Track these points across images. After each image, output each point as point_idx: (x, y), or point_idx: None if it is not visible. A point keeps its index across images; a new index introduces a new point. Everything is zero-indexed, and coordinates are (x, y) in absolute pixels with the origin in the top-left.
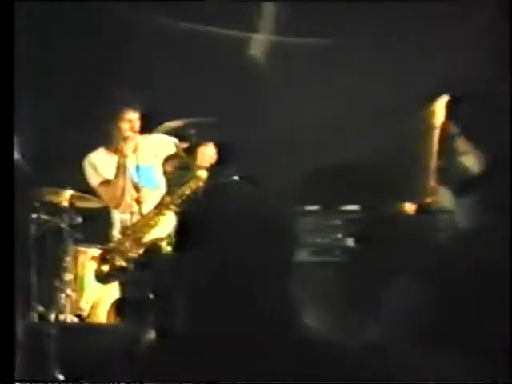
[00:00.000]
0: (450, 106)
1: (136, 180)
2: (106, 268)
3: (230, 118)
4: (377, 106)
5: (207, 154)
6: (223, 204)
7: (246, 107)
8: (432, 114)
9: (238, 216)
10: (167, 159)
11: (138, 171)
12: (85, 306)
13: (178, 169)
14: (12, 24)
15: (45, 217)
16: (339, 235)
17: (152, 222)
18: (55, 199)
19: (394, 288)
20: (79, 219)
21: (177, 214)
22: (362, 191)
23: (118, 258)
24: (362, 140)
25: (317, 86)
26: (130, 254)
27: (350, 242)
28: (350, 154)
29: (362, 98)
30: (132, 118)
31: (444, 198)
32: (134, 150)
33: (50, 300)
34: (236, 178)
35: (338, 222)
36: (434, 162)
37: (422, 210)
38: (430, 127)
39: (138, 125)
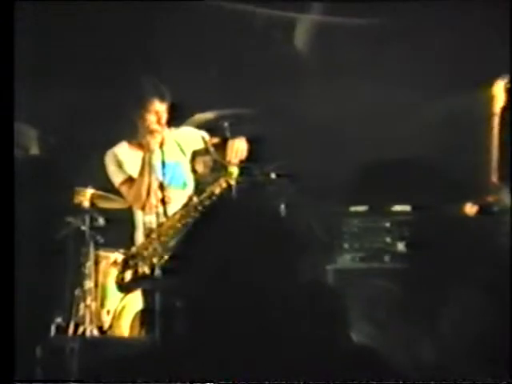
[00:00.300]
0: (510, 90)
1: (162, 178)
2: (128, 275)
3: (268, 110)
4: (430, 93)
5: (238, 148)
6: (256, 204)
7: (285, 98)
8: (491, 98)
9: (273, 218)
10: (196, 155)
11: (164, 168)
12: (106, 317)
13: (208, 165)
14: (12, 24)
15: (66, 218)
16: (388, 239)
17: (179, 225)
18: (76, 199)
19: (451, 298)
20: (101, 221)
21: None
22: (414, 190)
23: (141, 263)
24: (414, 133)
25: (364, 76)
26: (155, 260)
27: (401, 246)
28: (400, 148)
29: (414, 85)
30: (159, 109)
31: (508, 196)
32: (160, 145)
33: (69, 310)
34: (273, 175)
35: (387, 224)
36: (495, 154)
37: (483, 210)
38: (489, 114)
39: (165, 117)
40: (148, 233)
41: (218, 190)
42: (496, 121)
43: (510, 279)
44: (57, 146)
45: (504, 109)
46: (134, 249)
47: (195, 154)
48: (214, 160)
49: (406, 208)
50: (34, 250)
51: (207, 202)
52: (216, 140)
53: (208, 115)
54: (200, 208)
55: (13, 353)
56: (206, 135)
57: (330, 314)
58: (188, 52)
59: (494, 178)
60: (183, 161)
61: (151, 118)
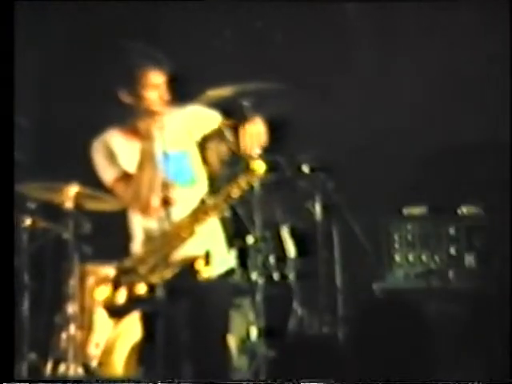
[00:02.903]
0: None
1: (163, 172)
2: (121, 296)
3: (300, 85)
4: (493, 75)
5: (252, 133)
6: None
7: (322, 72)
8: None
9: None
10: (207, 143)
11: (167, 160)
12: (94, 351)
13: (222, 156)
14: (12, 24)
15: (41, 223)
16: (453, 250)
17: (185, 234)
18: (55, 198)
19: None
20: (88, 226)
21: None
22: (487, 188)
23: (138, 281)
24: (478, 121)
25: (416, 55)
26: (155, 277)
27: (470, 259)
28: (467, 135)
29: (474, 69)
30: (156, 81)
31: None
32: (160, 130)
33: (47, 342)
34: (306, 169)
35: (452, 230)
36: None
37: None
38: None
39: (166, 93)
40: (148, 243)
41: (236, 193)
42: None
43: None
44: (31, 131)
45: None
46: (128, 262)
47: (206, 142)
48: (230, 149)
49: (477, 210)
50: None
51: (222, 207)
52: (231, 123)
53: (223, 91)
54: (214, 212)
55: (13, 353)
56: (219, 116)
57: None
58: (195, 9)
59: None
60: (191, 150)
61: (150, 96)
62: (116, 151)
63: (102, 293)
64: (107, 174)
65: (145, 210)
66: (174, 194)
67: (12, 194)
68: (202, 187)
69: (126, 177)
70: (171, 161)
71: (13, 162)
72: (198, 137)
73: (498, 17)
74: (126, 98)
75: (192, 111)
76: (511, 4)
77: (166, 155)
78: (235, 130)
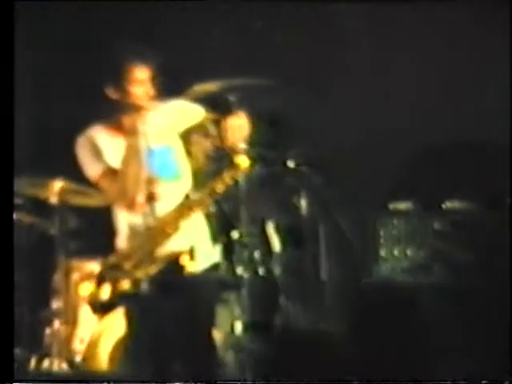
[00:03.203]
0: None
1: (148, 168)
2: (105, 292)
3: (288, 80)
4: (484, 74)
5: (236, 127)
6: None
7: (310, 66)
8: None
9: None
10: (191, 137)
11: (151, 155)
12: (79, 346)
13: (206, 151)
14: (12, 24)
15: (27, 218)
16: (441, 245)
17: (170, 229)
18: (40, 193)
19: None
20: (73, 222)
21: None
22: (476, 181)
23: (122, 277)
24: (467, 115)
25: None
26: (140, 273)
27: (459, 255)
28: (457, 129)
29: (473, 68)
30: (141, 77)
31: None
32: (144, 125)
33: (31, 337)
34: (292, 164)
35: (438, 225)
36: None
37: None
38: None
39: (150, 88)
40: (133, 238)
41: (220, 188)
42: None
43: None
44: (16, 127)
45: None
46: (113, 258)
47: (190, 136)
48: (213, 143)
49: (466, 205)
50: None
51: (207, 202)
52: (214, 117)
53: (209, 86)
54: (198, 208)
55: (13, 353)
56: (203, 111)
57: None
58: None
59: None
60: (174, 145)
61: (136, 91)
62: (101, 147)
63: (87, 289)
64: (92, 170)
65: (130, 205)
66: (159, 189)
67: (12, 194)
68: (186, 182)
69: (110, 172)
70: (155, 156)
71: (13, 162)
72: (182, 132)
73: (498, 16)
74: (112, 93)
75: (175, 106)
76: (511, 3)
77: (150, 150)
78: (218, 124)
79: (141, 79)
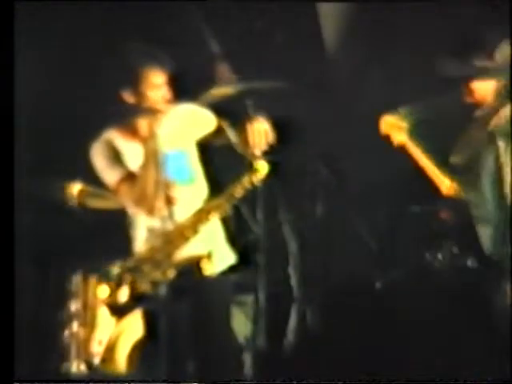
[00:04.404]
0: None
1: (164, 172)
2: (123, 294)
3: (304, 84)
4: None
5: (259, 132)
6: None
7: (327, 70)
8: None
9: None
10: (206, 141)
11: (166, 159)
12: (97, 348)
13: (224, 156)
14: (12, 24)
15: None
16: (454, 248)
17: (188, 233)
18: (58, 196)
19: None
20: (92, 224)
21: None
22: None
23: (140, 280)
24: None
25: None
26: (158, 276)
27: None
28: None
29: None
30: (157, 81)
31: None
32: (159, 129)
33: (49, 339)
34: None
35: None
36: None
37: None
38: None
39: (166, 92)
40: (151, 242)
41: (239, 193)
42: None
43: None
44: (33, 129)
45: None
46: (131, 261)
47: (208, 141)
48: (233, 148)
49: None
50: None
51: (225, 206)
52: (234, 122)
53: (224, 90)
54: (216, 213)
55: (13, 353)
56: (214, 115)
57: None
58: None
59: None
60: (188, 149)
61: (151, 95)
62: (119, 151)
63: (105, 291)
64: (111, 176)
65: (150, 210)
66: (175, 193)
67: (12, 195)
68: (200, 186)
69: (129, 177)
70: (170, 160)
71: (13, 162)
72: (196, 135)
73: (498, 16)
74: (128, 97)
75: (188, 110)
76: (511, 3)
77: (165, 154)
78: (240, 129)
79: (157, 83)
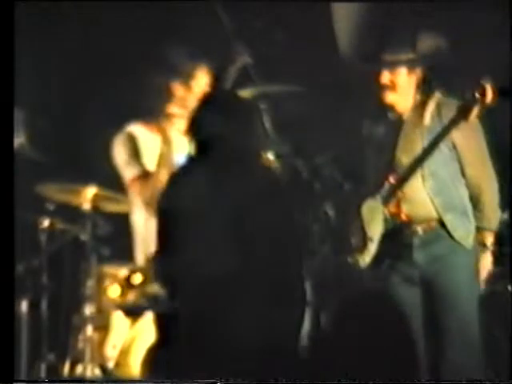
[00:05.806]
0: None
1: None
2: (132, 295)
3: (318, 87)
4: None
5: None
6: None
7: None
8: None
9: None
10: None
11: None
12: (111, 352)
13: None
14: (12, 24)
15: (60, 225)
16: None
17: None
18: (73, 200)
19: None
20: (106, 228)
21: None
22: None
23: (152, 282)
24: None
25: None
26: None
27: None
28: None
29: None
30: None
31: None
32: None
33: (65, 343)
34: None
35: None
36: None
37: None
38: None
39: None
40: None
41: None
42: None
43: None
44: (51, 132)
45: None
46: (141, 262)
47: None
48: None
49: (504, 216)
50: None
51: None
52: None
53: (242, 93)
54: None
55: (13, 353)
56: None
57: None
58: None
59: None
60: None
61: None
62: (140, 146)
63: (116, 292)
64: (128, 172)
65: None
66: None
67: (12, 195)
68: None
69: (144, 176)
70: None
71: (13, 162)
72: None
73: (498, 16)
74: (177, 89)
75: None
76: (511, 4)
77: (179, 157)
78: None
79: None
